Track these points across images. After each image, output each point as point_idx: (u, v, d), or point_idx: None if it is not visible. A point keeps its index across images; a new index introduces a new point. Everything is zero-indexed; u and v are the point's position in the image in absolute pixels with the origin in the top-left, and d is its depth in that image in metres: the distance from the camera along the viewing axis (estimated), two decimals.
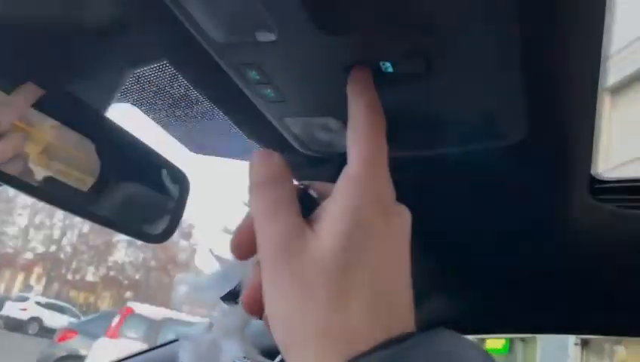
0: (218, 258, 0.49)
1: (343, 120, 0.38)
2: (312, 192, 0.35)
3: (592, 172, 0.78)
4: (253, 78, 0.38)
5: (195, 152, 0.67)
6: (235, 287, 0.48)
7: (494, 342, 9.61)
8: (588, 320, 0.86)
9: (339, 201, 0.32)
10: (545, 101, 0.41)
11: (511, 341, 9.96)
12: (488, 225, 0.66)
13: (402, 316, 0.31)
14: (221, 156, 0.68)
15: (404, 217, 0.34)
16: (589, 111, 0.48)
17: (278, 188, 0.33)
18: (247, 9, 0.32)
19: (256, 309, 0.35)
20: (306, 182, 0.36)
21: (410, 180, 0.50)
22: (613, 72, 6.38)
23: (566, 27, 0.35)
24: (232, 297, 0.47)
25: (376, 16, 0.32)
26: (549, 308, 0.84)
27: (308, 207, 0.33)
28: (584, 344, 8.39)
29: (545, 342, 8.97)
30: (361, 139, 0.34)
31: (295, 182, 0.36)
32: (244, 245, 0.35)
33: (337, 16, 0.32)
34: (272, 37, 0.33)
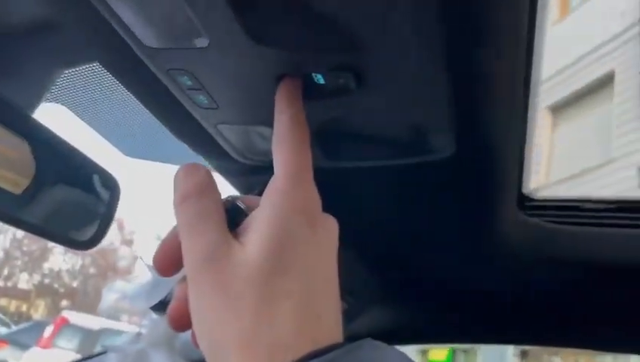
0: (149, 266, 0.48)
1: None
2: (240, 204, 0.35)
3: (524, 188, 0.82)
4: (185, 84, 0.38)
5: (128, 156, 0.65)
6: (166, 297, 0.47)
7: (437, 353, 9.80)
8: (523, 331, 0.89)
9: (265, 213, 0.32)
10: (473, 119, 0.42)
11: (453, 352, 10.18)
12: (422, 237, 0.67)
13: (329, 326, 0.31)
14: (155, 161, 0.67)
15: (330, 227, 0.34)
16: (517, 129, 0.49)
17: (204, 200, 0.33)
18: (178, 15, 0.31)
19: (182, 323, 0.34)
20: (234, 195, 0.36)
21: (343, 191, 0.51)
22: (557, 90, 6.69)
23: (492, 50, 0.36)
24: (162, 307, 0.46)
25: (305, 29, 0.32)
26: (486, 319, 0.86)
27: (235, 218, 0.33)
28: (523, 355, 8.66)
29: (485, 352, 9.21)
30: (285, 151, 0.34)
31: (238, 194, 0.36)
32: (167, 259, 0.35)
33: (268, 27, 0.32)
34: (203, 43, 0.33)
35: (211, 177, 0.34)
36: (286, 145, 0.34)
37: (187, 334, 0.36)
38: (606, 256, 0.71)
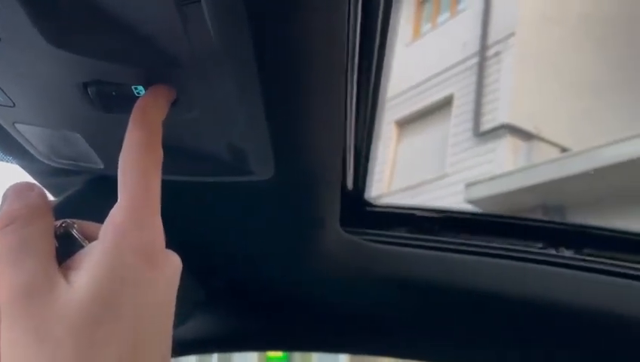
0: None
1: (89, 139, 0.37)
2: (76, 233, 0.31)
3: (359, 196, 0.86)
4: None
5: None
6: None
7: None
8: (345, 340, 0.93)
9: (98, 249, 0.29)
10: (290, 142, 0.43)
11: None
12: (247, 250, 0.68)
13: None
14: None
15: (171, 267, 0.31)
16: (336, 155, 0.52)
17: (31, 226, 0.29)
18: None
19: None
20: (71, 220, 0.32)
21: (168, 203, 0.50)
22: (405, 106, 7.23)
23: (307, 76, 0.37)
24: None
25: (113, 39, 0.31)
26: (308, 327, 0.90)
27: (68, 249, 0.29)
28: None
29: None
30: (131, 179, 0.31)
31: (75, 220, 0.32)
32: None
33: (69, 34, 0.30)
34: None
35: (44, 199, 0.30)
36: (133, 172, 0.31)
37: None
38: (420, 275, 0.77)
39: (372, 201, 0.86)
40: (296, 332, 0.91)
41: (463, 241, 0.80)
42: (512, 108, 5.72)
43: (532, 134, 5.63)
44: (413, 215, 0.87)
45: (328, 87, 0.40)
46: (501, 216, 0.83)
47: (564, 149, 5.46)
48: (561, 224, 0.80)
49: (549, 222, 0.81)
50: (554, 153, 5.45)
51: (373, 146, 0.75)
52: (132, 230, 0.29)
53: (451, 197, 5.62)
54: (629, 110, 5.49)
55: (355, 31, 0.58)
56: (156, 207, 0.31)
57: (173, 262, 0.32)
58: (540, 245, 0.81)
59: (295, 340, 0.95)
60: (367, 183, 0.82)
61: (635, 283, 0.72)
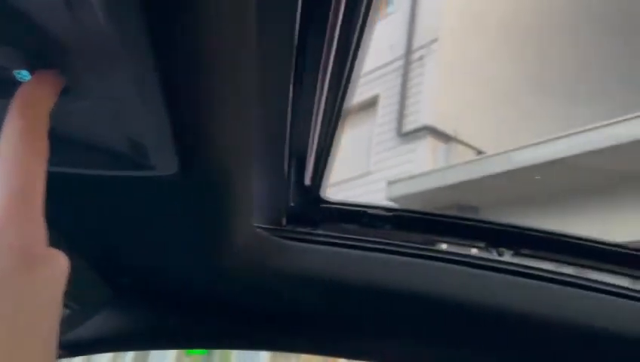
0: None
1: None
2: None
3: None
4: None
5: None
6: None
7: None
8: (267, 338, 0.92)
9: None
10: (195, 137, 0.42)
11: None
12: (155, 246, 0.66)
13: None
14: None
15: (54, 267, 0.29)
16: (247, 152, 0.51)
17: None
18: None
19: None
20: None
21: (68, 197, 0.48)
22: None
23: (213, 68, 0.36)
24: None
25: None
26: (221, 326, 0.88)
27: None
28: None
29: None
30: (10, 171, 0.28)
31: None
32: None
33: None
34: None
35: None
36: (13, 163, 0.29)
37: None
38: (335, 273, 0.79)
39: (327, 198, 0.87)
40: (209, 329, 0.89)
41: (390, 241, 0.82)
42: (434, 110, 5.96)
43: (451, 136, 5.90)
44: (365, 212, 0.90)
45: (234, 83, 0.39)
46: (449, 216, 0.87)
47: (479, 152, 5.76)
48: (507, 225, 0.85)
49: (492, 223, 0.86)
50: (470, 155, 5.74)
51: (334, 146, 0.76)
52: (10, 228, 0.28)
53: (373, 194, 5.77)
54: (541, 116, 5.90)
55: (330, 45, 0.59)
56: (37, 202, 0.29)
57: (57, 262, 0.30)
58: (482, 245, 0.86)
59: (209, 338, 0.93)
60: (324, 181, 0.83)
61: (544, 284, 0.78)
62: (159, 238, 0.63)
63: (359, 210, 0.90)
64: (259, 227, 0.74)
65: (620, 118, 4.22)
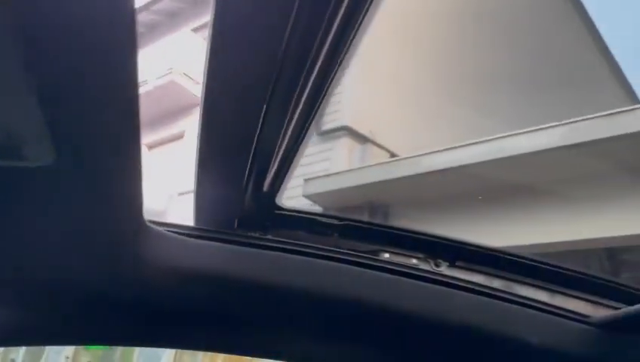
0: None
1: None
2: None
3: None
4: None
5: None
6: None
7: None
8: (158, 334, 0.93)
9: None
10: (71, 130, 0.41)
11: None
12: (35, 239, 0.63)
13: None
14: None
15: None
16: (134, 147, 0.50)
17: None
18: None
19: None
20: None
21: None
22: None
23: (83, 73, 0.36)
24: None
25: None
26: (107, 322, 0.88)
27: None
28: None
29: None
30: None
31: None
32: None
33: None
34: None
35: None
36: None
37: None
38: (228, 271, 0.81)
39: (282, 205, 0.90)
40: (101, 325, 0.87)
41: (331, 248, 0.87)
42: (352, 111, 6.09)
43: (367, 138, 6.08)
44: (316, 220, 0.93)
45: (113, 80, 0.38)
46: (394, 228, 0.93)
47: (392, 154, 5.99)
48: (445, 239, 0.92)
49: (433, 235, 0.93)
50: (384, 157, 5.95)
51: (299, 155, 0.79)
52: None
53: (292, 190, 5.81)
54: (453, 124, 6.23)
55: (312, 68, 0.62)
56: None
57: None
58: (422, 256, 0.93)
59: (100, 334, 0.91)
60: (282, 189, 0.86)
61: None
62: (37, 228, 0.60)
63: (311, 218, 0.93)
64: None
65: (520, 131, 4.54)
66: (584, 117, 4.19)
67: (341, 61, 0.63)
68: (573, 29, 7.77)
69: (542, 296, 0.90)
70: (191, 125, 8.58)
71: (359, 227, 0.93)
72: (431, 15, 6.79)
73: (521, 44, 6.97)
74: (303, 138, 0.75)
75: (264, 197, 0.87)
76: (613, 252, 4.52)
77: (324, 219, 0.93)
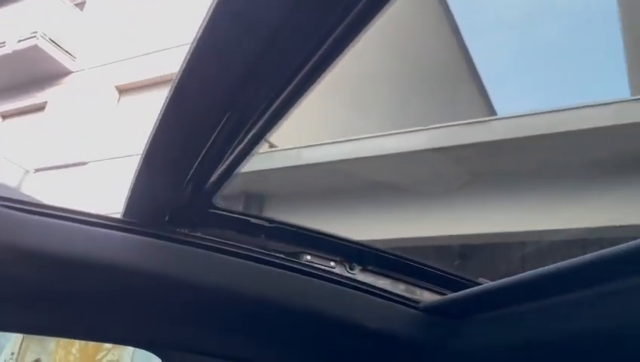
0: None
1: None
2: None
3: None
4: None
5: None
6: None
7: None
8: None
9: None
10: None
11: None
12: None
13: None
14: None
15: None
16: None
17: None
18: None
19: None
20: None
21: None
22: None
23: None
24: None
25: None
26: None
27: None
28: None
29: None
30: None
31: None
32: None
33: None
34: None
35: None
36: None
37: None
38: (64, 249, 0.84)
39: (217, 205, 0.94)
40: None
41: (251, 248, 0.93)
42: None
43: None
44: (247, 221, 0.99)
45: None
46: (319, 232, 1.01)
47: (271, 145, 6.06)
48: (361, 244, 1.03)
49: (351, 241, 1.03)
50: (264, 147, 6.00)
51: (243, 163, 0.84)
52: None
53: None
54: (333, 121, 6.44)
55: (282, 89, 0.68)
56: None
57: None
58: (339, 259, 1.02)
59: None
60: (221, 190, 0.90)
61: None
62: None
63: (242, 218, 0.99)
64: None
65: (389, 132, 4.85)
66: (445, 123, 4.61)
67: (301, 90, 0.70)
68: (444, 40, 8.43)
69: (384, 283, 1.01)
70: (56, 97, 7.89)
71: (287, 230, 1.00)
72: None
73: (398, 47, 7.38)
74: (254, 148, 0.81)
75: (202, 196, 0.90)
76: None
77: (255, 221, 0.99)
